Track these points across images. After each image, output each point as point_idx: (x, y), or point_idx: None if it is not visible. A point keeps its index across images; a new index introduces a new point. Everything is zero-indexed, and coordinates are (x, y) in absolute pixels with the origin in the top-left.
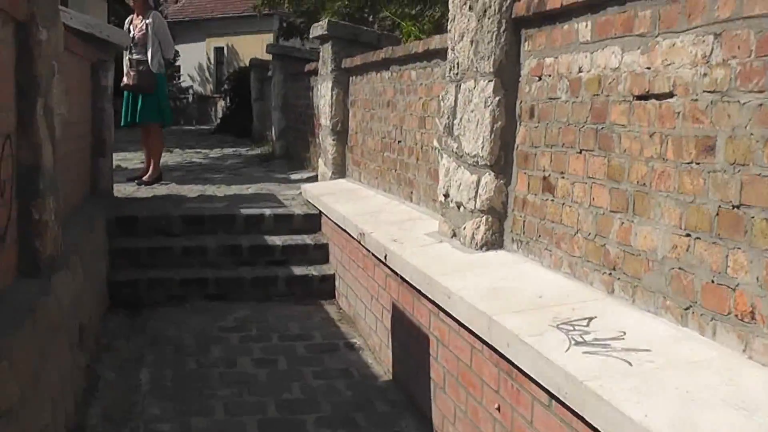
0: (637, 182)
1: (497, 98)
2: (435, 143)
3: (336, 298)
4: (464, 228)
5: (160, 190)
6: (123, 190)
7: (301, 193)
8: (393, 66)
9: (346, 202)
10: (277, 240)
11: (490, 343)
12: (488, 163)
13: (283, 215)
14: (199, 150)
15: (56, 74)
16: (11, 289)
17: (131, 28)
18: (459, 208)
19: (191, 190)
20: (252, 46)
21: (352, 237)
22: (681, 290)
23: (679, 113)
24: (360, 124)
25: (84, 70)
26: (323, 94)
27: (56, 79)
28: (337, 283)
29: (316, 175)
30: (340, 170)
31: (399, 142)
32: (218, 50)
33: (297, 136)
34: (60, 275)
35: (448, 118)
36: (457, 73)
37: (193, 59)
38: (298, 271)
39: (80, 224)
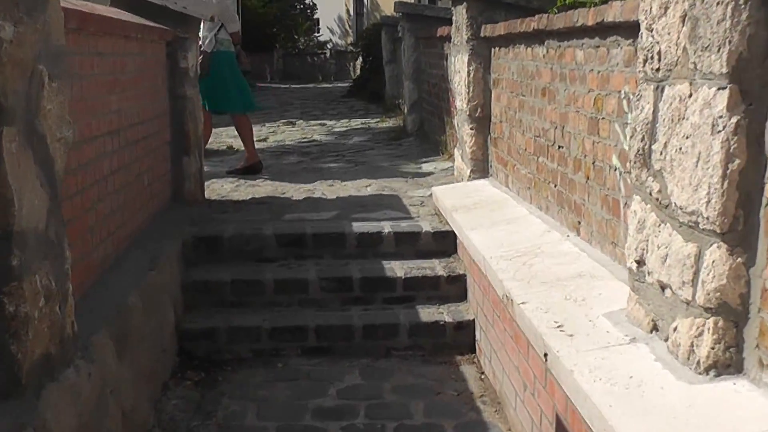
0: None
1: (734, 119)
2: (614, 161)
3: (477, 354)
4: (674, 327)
5: (261, 188)
6: (219, 188)
7: (431, 194)
8: (549, 41)
9: (488, 226)
10: (398, 268)
11: None
12: (717, 229)
13: (406, 233)
14: (323, 122)
15: (50, 83)
16: None
17: None
18: (663, 290)
19: (297, 190)
20: None
21: (495, 290)
22: None
23: None
24: (506, 111)
25: (155, 53)
26: (458, 69)
27: (53, 89)
28: (477, 334)
29: (452, 168)
30: (480, 167)
31: (560, 147)
32: (357, 1)
33: (431, 112)
34: (60, 384)
35: (643, 139)
36: (657, 69)
37: (333, 11)
38: (425, 314)
39: (139, 260)
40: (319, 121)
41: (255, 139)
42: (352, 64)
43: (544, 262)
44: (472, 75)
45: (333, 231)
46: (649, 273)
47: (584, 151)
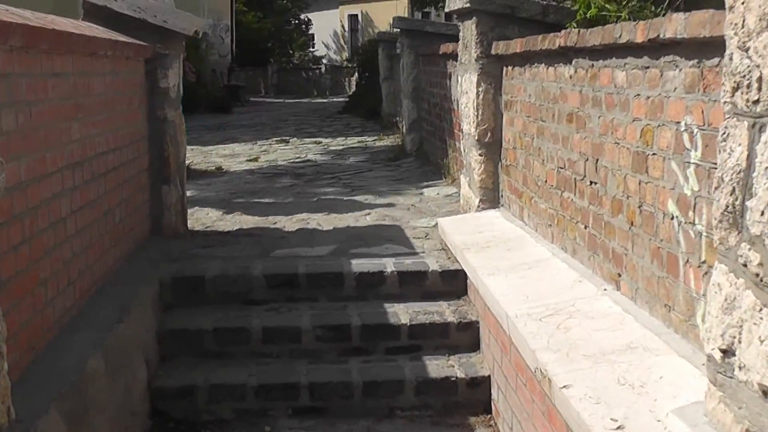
0: None
1: None
2: (671, 208)
3: (493, 415)
4: None
5: (250, 217)
6: (204, 217)
7: (437, 224)
8: (579, 59)
9: (507, 271)
10: (402, 313)
11: None
12: None
13: (411, 273)
14: (319, 140)
15: None
16: None
17: None
18: (766, 396)
19: (290, 219)
20: (387, 13)
21: (521, 354)
22: None
23: None
24: (520, 137)
25: (131, 72)
26: (465, 89)
27: None
28: (494, 393)
29: (457, 194)
30: (490, 197)
31: (592, 183)
32: (352, 17)
33: (431, 132)
34: None
35: (733, 192)
36: (754, 101)
37: (327, 27)
38: (434, 367)
39: (106, 310)
40: (314, 139)
41: (246, 158)
42: (347, 79)
43: (582, 325)
44: (481, 96)
45: (329, 270)
46: (742, 368)
47: (627, 192)
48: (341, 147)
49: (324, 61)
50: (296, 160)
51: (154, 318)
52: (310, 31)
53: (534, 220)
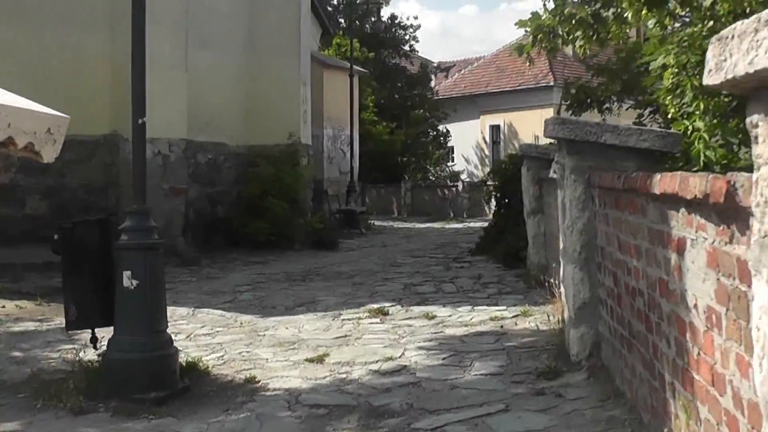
0: None
1: None
2: None
3: None
4: None
5: None
6: None
7: None
8: None
9: None
10: None
11: None
12: None
13: None
14: (432, 311)
15: None
16: None
17: None
18: None
19: None
20: (534, 123)
21: None
22: None
23: None
24: None
25: None
26: (764, 303)
27: None
28: None
29: None
30: None
31: None
32: (494, 128)
33: (626, 342)
34: None
35: None
36: None
37: (468, 138)
38: None
39: None
40: (425, 309)
41: (309, 354)
42: (487, 199)
43: None
44: None
45: None
46: None
47: None
48: (463, 330)
49: (463, 176)
50: (383, 368)
51: None
52: (449, 144)
53: None
